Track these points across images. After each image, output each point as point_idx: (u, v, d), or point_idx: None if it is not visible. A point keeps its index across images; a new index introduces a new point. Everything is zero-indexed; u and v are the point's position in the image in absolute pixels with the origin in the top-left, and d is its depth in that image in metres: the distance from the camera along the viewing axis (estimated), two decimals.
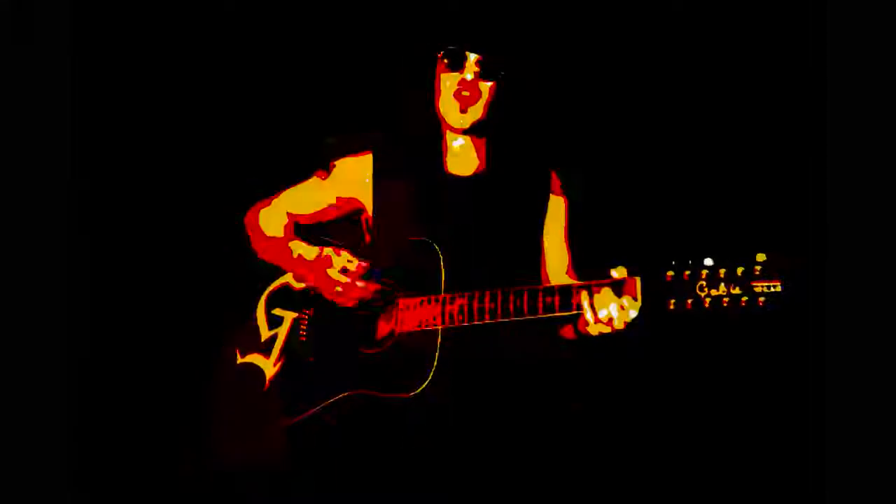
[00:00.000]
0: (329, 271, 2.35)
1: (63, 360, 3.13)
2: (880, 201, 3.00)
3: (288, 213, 2.55)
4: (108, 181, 3.18)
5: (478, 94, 2.38)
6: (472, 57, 2.37)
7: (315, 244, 2.46)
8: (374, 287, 2.36)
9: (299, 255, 2.46)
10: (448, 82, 2.39)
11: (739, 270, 2.02)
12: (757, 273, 2.02)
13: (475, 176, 2.47)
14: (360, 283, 2.34)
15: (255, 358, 2.45)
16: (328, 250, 2.37)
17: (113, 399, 3.16)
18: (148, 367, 3.17)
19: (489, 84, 2.38)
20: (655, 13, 3.12)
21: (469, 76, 2.37)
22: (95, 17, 3.13)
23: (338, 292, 2.36)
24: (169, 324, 3.15)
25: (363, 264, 2.34)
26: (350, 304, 2.37)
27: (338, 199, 2.51)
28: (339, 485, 2.35)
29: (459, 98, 2.38)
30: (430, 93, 2.43)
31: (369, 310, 2.39)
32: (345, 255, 2.35)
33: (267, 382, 2.43)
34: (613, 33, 3.14)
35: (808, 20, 2.98)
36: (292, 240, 2.51)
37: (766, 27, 3.08)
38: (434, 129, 2.46)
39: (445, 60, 2.38)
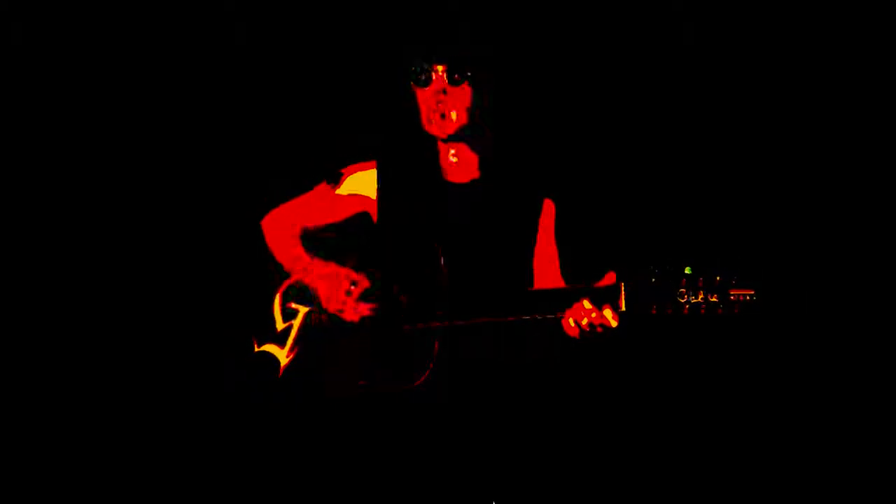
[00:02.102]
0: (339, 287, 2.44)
1: (86, 350, 3.30)
2: (853, 213, 3.13)
3: (297, 223, 2.61)
4: (134, 183, 3.36)
5: (453, 102, 2.39)
6: (440, 68, 2.38)
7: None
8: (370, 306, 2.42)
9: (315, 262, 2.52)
10: (422, 96, 2.42)
11: (717, 279, 2.15)
12: (733, 282, 2.14)
13: (472, 183, 2.52)
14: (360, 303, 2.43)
15: (270, 347, 2.56)
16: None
17: (128, 390, 3.34)
18: (164, 357, 3.35)
19: (464, 89, 2.39)
20: (647, 16, 3.20)
21: (440, 87, 2.38)
22: (106, 19, 3.28)
23: (342, 308, 2.44)
24: (192, 316, 3.33)
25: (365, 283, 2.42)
26: (355, 319, 2.44)
27: (344, 207, 2.58)
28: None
29: (436, 109, 2.39)
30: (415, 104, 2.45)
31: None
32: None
33: (281, 370, 2.53)
34: (602, 37, 3.21)
35: (786, 35, 3.12)
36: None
37: (748, 37, 3.17)
38: (430, 139, 2.48)
39: (418, 77, 2.40)
